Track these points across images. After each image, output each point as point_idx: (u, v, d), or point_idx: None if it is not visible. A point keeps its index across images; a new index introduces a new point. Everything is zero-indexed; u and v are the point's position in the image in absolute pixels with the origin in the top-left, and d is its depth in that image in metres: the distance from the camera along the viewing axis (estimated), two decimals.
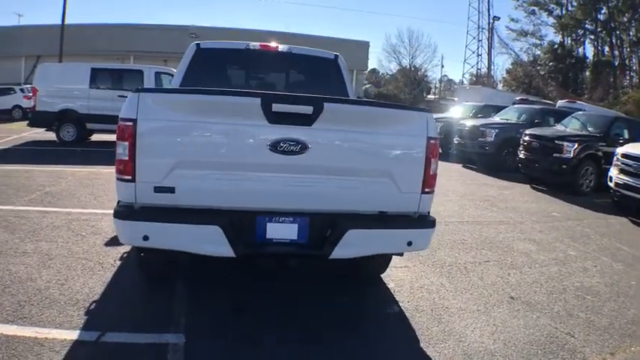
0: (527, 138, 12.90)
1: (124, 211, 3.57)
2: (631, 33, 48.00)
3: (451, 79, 75.24)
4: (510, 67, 58.25)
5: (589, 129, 12.87)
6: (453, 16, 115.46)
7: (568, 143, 11.78)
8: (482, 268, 5.86)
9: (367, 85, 60.01)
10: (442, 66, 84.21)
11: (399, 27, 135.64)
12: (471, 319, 4.41)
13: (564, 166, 11.70)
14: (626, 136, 12.43)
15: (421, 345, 3.90)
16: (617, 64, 48.43)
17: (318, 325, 4.13)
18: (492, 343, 3.99)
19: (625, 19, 47.73)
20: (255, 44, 6.00)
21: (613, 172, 10.13)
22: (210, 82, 5.05)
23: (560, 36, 54.90)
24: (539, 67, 55.20)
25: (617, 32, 48.98)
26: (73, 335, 3.61)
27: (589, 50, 53.88)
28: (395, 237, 3.96)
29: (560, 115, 15.31)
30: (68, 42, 29.95)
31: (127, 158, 3.47)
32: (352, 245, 3.75)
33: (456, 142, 16.43)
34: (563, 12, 53.70)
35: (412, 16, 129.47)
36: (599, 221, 9.16)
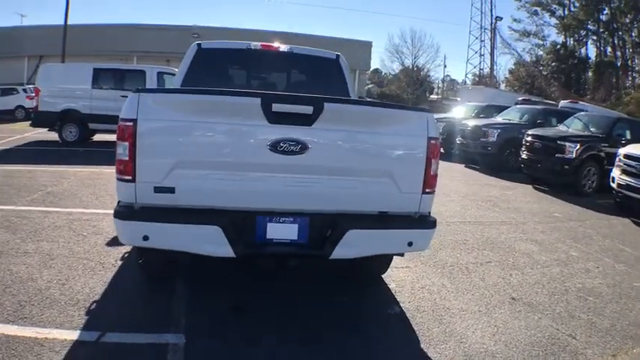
0: (529, 138, 12.87)
1: (124, 212, 3.56)
2: (633, 34, 48.01)
3: (454, 79, 75.42)
4: (513, 67, 58.31)
5: (591, 129, 12.83)
6: (456, 16, 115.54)
7: (570, 144, 11.75)
8: (484, 268, 5.85)
9: (370, 85, 60.04)
10: (445, 66, 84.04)
11: (402, 27, 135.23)
12: (472, 320, 4.40)
13: (566, 167, 11.67)
14: (629, 136, 12.38)
15: (422, 346, 3.89)
16: (619, 64, 48.40)
17: (318, 326, 4.13)
18: (493, 344, 3.98)
19: (627, 20, 47.70)
20: (256, 44, 5.99)
21: (615, 172, 10.10)
22: (212, 82, 5.05)
23: (562, 36, 54.97)
24: (541, 68, 55.15)
25: (620, 33, 48.99)
26: (74, 335, 3.61)
27: (591, 51, 54.01)
28: (395, 237, 3.95)
29: (563, 116, 15.27)
30: (71, 42, 30.01)
31: (127, 158, 3.47)
32: (352, 245, 3.74)
33: (458, 142, 16.41)
34: (566, 12, 53.74)
35: (415, 17, 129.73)
36: (601, 222, 9.13)
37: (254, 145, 3.59)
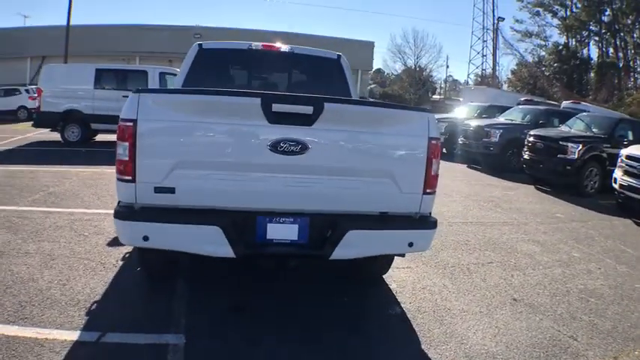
0: (531, 139, 12.85)
1: (124, 212, 3.57)
2: (635, 35, 48.02)
3: (456, 80, 75.35)
4: (515, 67, 58.27)
5: (593, 130, 12.80)
6: (458, 16, 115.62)
7: (572, 144, 11.73)
8: (486, 269, 5.83)
9: (372, 85, 60.07)
10: (447, 66, 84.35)
11: (404, 27, 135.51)
12: (473, 321, 4.38)
13: (569, 167, 11.65)
14: (631, 137, 12.35)
15: (422, 347, 3.88)
16: (621, 65, 48.35)
17: (319, 326, 4.12)
18: (494, 345, 3.97)
19: (629, 22, 47.67)
20: (257, 44, 5.99)
21: (617, 173, 10.08)
22: (213, 83, 5.05)
23: (564, 37, 54.98)
24: (543, 68, 55.10)
25: (622, 34, 48.96)
26: (74, 336, 3.60)
27: (593, 52, 54.00)
28: (396, 238, 3.94)
29: (565, 116, 15.23)
30: (73, 43, 30.07)
31: (127, 159, 3.47)
32: (353, 246, 3.73)
33: (460, 142, 16.39)
34: (568, 13, 53.71)
35: (417, 17, 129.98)
36: (603, 223, 9.10)
37: (254, 145, 3.59)
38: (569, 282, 5.61)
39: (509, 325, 4.36)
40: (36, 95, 17.02)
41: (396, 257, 4.91)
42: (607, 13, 49.76)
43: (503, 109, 18.41)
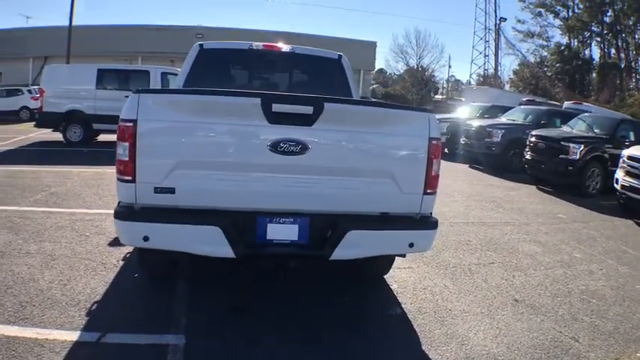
0: (533, 139, 12.83)
1: (124, 212, 3.57)
2: (637, 36, 48.06)
3: (458, 80, 75.20)
4: (517, 68, 58.19)
5: (595, 131, 12.78)
6: (460, 16, 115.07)
7: (574, 145, 11.71)
8: (487, 269, 5.82)
9: (374, 85, 60.01)
10: (449, 66, 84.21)
11: (407, 27, 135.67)
12: (474, 322, 4.37)
13: (570, 168, 11.62)
14: (632, 138, 12.34)
15: (423, 348, 3.87)
16: (623, 66, 48.30)
17: (319, 326, 4.12)
18: (495, 346, 3.95)
19: (630, 23, 47.61)
20: (258, 44, 5.98)
21: (619, 174, 10.05)
22: (214, 83, 5.04)
23: (566, 38, 54.90)
24: (545, 69, 55.02)
25: (623, 35, 48.87)
26: (74, 336, 3.60)
27: (595, 52, 53.95)
28: (396, 238, 3.92)
29: (567, 117, 15.21)
30: (76, 43, 30.08)
31: (127, 159, 3.47)
32: (353, 246, 3.72)
33: (462, 142, 16.38)
34: (570, 14, 53.62)
35: (419, 17, 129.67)
36: (605, 223, 9.08)
37: (254, 145, 3.58)
38: (570, 283, 5.59)
39: (511, 326, 4.35)
40: (38, 95, 17.06)
41: (397, 257, 4.90)
42: (609, 14, 49.77)
43: (505, 110, 18.38)
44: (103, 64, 17.13)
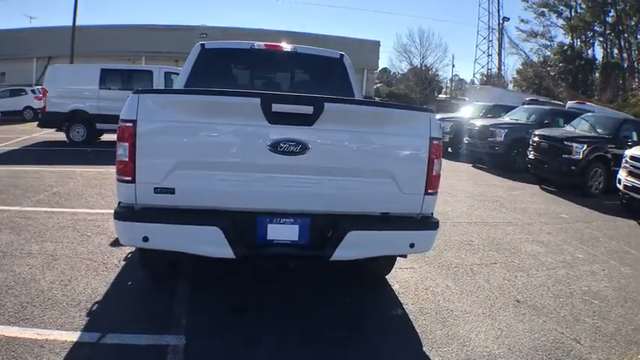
0: (536, 139, 12.80)
1: (124, 212, 3.56)
2: (638, 36, 47.97)
3: (462, 79, 75.36)
4: (520, 67, 58.16)
5: (598, 131, 12.73)
6: (464, 16, 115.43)
7: (577, 144, 11.68)
8: (489, 270, 5.80)
9: (378, 85, 60.05)
10: (453, 66, 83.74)
11: (410, 27, 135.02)
12: (475, 323, 4.36)
13: (573, 167, 11.59)
14: (635, 138, 12.29)
15: (424, 349, 3.85)
16: (626, 66, 48.18)
17: (319, 326, 4.11)
18: (497, 347, 3.94)
19: (632, 23, 47.53)
20: (259, 44, 5.97)
21: (622, 174, 10.01)
22: (215, 82, 5.04)
23: (569, 37, 54.95)
24: (549, 68, 54.93)
25: (625, 35, 48.79)
26: (74, 337, 3.60)
27: (598, 52, 53.94)
28: (397, 238, 3.90)
29: (570, 116, 15.18)
30: (79, 43, 30.18)
31: (127, 159, 3.46)
32: (353, 247, 3.70)
33: (465, 141, 16.37)
34: (572, 14, 53.57)
35: (423, 16, 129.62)
36: (607, 224, 9.04)
37: (254, 145, 3.57)
38: (572, 283, 5.57)
39: (512, 327, 4.33)
40: (41, 96, 17.10)
41: (399, 258, 4.89)
42: (611, 14, 49.79)
43: (508, 109, 18.37)
44: (106, 64, 17.15)
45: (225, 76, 5.93)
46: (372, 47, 44.45)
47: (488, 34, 58.95)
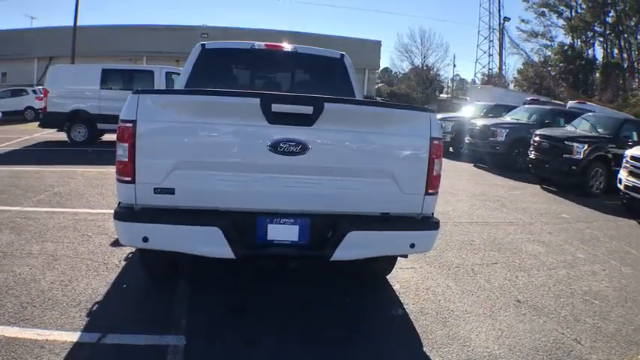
0: (537, 138, 12.80)
1: (124, 213, 3.56)
2: (638, 37, 48.06)
3: (463, 79, 75.38)
4: (521, 67, 58.14)
5: (599, 130, 12.73)
6: (465, 16, 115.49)
7: (578, 144, 11.67)
8: (490, 270, 5.79)
9: (380, 84, 60.06)
10: (454, 65, 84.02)
11: (411, 26, 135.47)
12: (476, 323, 4.35)
13: (574, 167, 11.59)
14: (635, 138, 12.29)
15: (424, 349, 3.85)
16: (626, 66, 48.16)
17: (319, 327, 4.10)
18: (497, 348, 3.93)
19: (632, 23, 47.53)
20: (260, 44, 5.97)
21: (622, 174, 10.00)
22: (216, 83, 5.03)
23: (570, 37, 54.96)
24: (549, 68, 54.89)
25: (625, 35, 48.78)
26: (74, 337, 3.60)
27: (598, 52, 53.93)
28: (397, 239, 3.89)
29: (571, 116, 15.17)
30: (80, 43, 30.21)
31: (126, 159, 3.46)
32: (354, 247, 3.69)
33: (467, 141, 16.37)
34: (573, 14, 53.56)
35: (424, 16, 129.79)
36: (608, 224, 9.03)
37: (254, 145, 3.56)
38: (573, 283, 5.56)
39: (513, 327, 4.32)
40: (42, 96, 17.11)
41: (400, 258, 4.88)
42: (611, 14, 49.78)
43: (509, 109, 18.39)
44: (108, 64, 17.17)
45: (225, 76, 5.93)
46: (373, 47, 44.47)
47: (489, 34, 58.98)
